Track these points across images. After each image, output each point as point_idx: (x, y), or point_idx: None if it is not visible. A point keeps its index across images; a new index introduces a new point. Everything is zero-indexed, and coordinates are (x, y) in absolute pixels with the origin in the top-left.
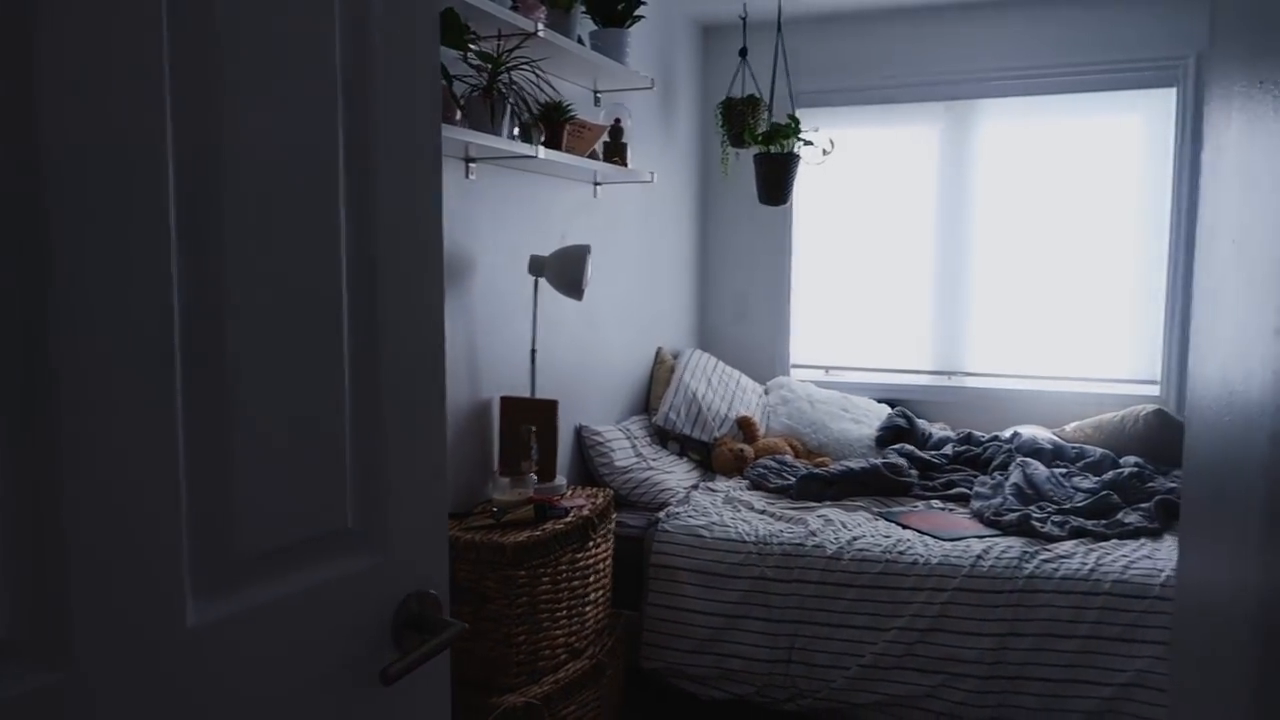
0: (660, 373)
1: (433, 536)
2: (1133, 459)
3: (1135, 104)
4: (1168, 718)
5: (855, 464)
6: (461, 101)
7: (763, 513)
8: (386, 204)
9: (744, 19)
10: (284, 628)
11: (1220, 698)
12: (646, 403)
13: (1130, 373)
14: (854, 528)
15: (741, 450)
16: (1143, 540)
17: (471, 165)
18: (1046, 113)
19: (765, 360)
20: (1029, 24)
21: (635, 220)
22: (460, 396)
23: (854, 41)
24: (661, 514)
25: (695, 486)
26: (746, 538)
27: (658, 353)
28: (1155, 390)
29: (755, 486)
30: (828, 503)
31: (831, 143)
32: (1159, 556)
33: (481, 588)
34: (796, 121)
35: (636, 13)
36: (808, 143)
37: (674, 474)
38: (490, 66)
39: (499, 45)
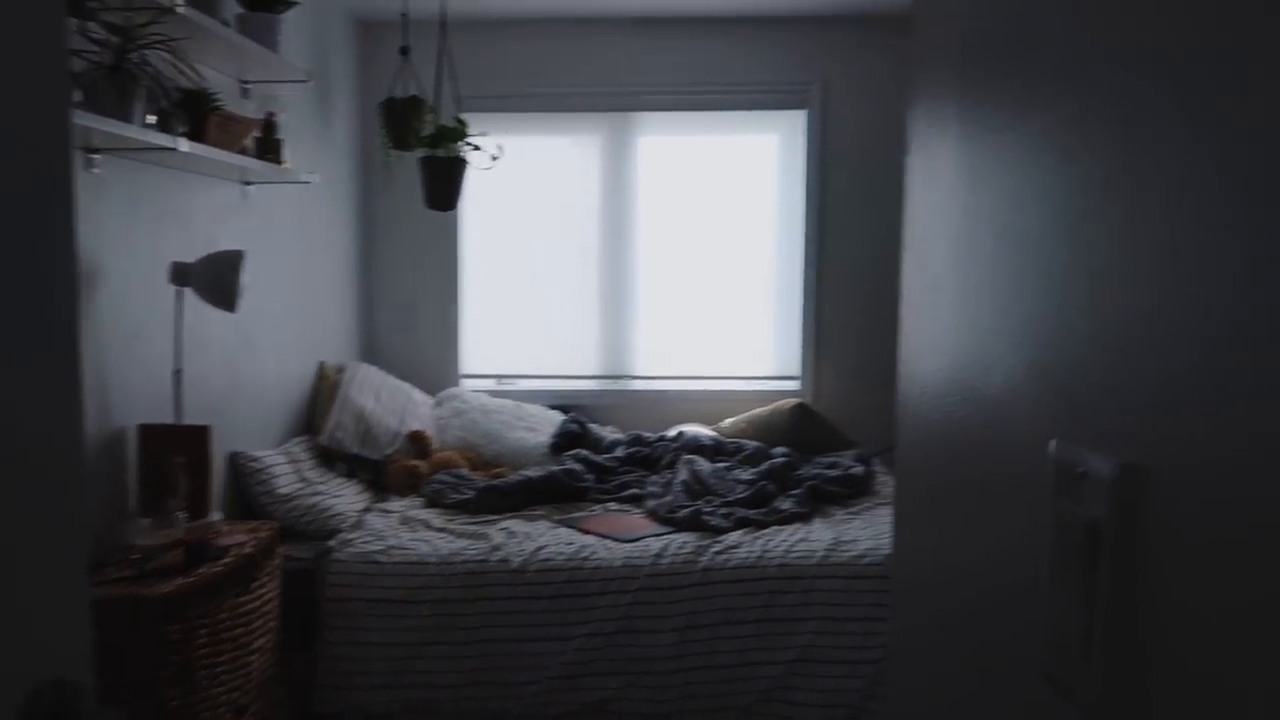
0: (324, 389)
1: (66, 604)
2: (782, 449)
3: (773, 123)
4: (891, 684)
5: (533, 473)
6: (81, 80)
7: (442, 530)
8: None
9: (405, 16)
10: None
11: (935, 663)
12: (309, 422)
13: (775, 370)
14: (537, 538)
15: (415, 466)
16: (796, 525)
17: (95, 157)
18: (699, 128)
19: (436, 371)
20: (685, 42)
21: (291, 225)
22: (85, 427)
23: (520, 48)
24: (333, 542)
25: (368, 509)
26: (428, 559)
27: (320, 367)
28: (796, 385)
29: (432, 503)
30: (508, 514)
31: (500, 148)
32: (813, 538)
33: (122, 651)
34: (464, 125)
35: None
36: (475, 147)
37: (344, 497)
38: (119, 41)
39: (129, 19)
